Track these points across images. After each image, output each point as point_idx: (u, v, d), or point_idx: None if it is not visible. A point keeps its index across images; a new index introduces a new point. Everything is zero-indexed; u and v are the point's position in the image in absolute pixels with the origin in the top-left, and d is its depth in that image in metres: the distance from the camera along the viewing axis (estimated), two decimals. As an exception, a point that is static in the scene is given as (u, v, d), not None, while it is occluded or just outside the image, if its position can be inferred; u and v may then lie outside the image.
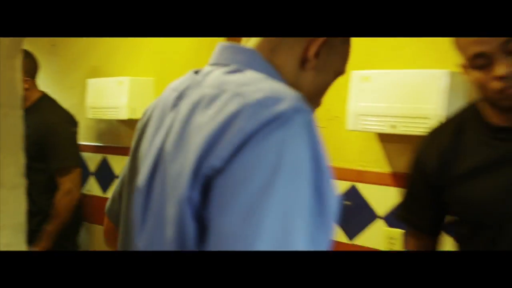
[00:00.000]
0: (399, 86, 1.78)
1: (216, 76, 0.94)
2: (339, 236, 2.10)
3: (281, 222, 0.76)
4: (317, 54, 0.99)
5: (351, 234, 2.08)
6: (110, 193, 2.84)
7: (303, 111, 0.83)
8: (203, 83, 0.94)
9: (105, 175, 2.92)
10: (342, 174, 2.05)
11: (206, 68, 1.00)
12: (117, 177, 2.84)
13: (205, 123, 0.84)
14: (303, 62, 0.99)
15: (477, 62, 1.29)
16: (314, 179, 0.80)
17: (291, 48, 0.99)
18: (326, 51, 1.01)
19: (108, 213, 1.21)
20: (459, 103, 1.74)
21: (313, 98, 1.04)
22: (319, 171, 0.81)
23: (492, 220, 1.37)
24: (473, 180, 1.39)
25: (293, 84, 0.97)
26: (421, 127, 1.71)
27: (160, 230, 0.88)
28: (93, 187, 2.99)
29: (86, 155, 2.95)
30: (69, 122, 2.68)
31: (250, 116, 0.81)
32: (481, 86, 1.32)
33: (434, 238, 1.58)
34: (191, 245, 0.83)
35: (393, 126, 1.79)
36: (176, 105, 0.96)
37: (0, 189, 0.77)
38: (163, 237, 0.87)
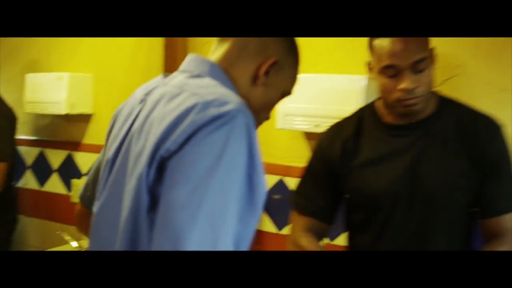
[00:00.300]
0: (322, 89, 1.97)
1: (180, 79, 1.12)
2: (269, 226, 2.27)
3: (219, 200, 0.93)
4: (266, 73, 1.18)
5: (280, 224, 2.26)
6: (46, 187, 2.92)
7: (245, 113, 1.00)
8: (169, 84, 1.12)
9: (41, 169, 2.97)
10: (272, 169, 2.22)
11: (174, 73, 1.18)
12: (54, 170, 2.90)
13: (166, 114, 1.02)
14: (254, 78, 1.18)
15: (388, 72, 1.48)
16: (248, 171, 0.97)
17: (246, 65, 1.17)
18: (275, 71, 1.20)
19: (81, 198, 1.35)
20: (376, 106, 1.96)
21: (261, 111, 1.23)
22: (252, 165, 0.98)
23: (384, 204, 1.55)
24: (369, 169, 1.58)
25: (244, 96, 1.15)
26: (341, 127, 1.92)
27: (118, 198, 1.05)
28: (29, 181, 3.04)
29: (23, 149, 2.99)
30: (4, 116, 2.69)
31: (201, 112, 0.98)
32: (385, 92, 1.52)
33: (327, 224, 1.70)
34: (143, 214, 0.99)
35: (317, 125, 1.98)
36: (143, 100, 1.13)
37: None
38: (120, 205, 1.04)
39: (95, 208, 1.16)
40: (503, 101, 1.81)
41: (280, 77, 1.22)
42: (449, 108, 1.59)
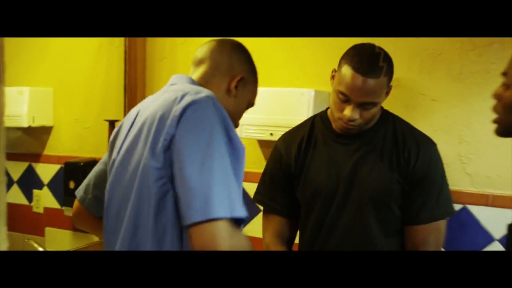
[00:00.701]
0: (275, 101, 2.15)
1: (163, 88, 1.42)
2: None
3: (220, 162, 1.18)
4: (236, 87, 1.46)
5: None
6: (7, 198, 2.97)
7: (213, 97, 1.27)
8: (155, 94, 1.41)
9: (1, 180, 3.02)
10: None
11: (165, 88, 1.43)
12: (14, 182, 2.96)
13: (156, 111, 1.28)
14: (228, 91, 1.46)
15: (340, 96, 1.64)
16: (227, 134, 1.23)
17: (219, 82, 1.47)
18: (242, 86, 1.48)
19: (82, 201, 1.53)
20: (323, 115, 2.16)
21: (233, 119, 1.44)
22: (229, 129, 1.24)
23: (323, 202, 1.72)
24: (314, 169, 1.75)
25: (225, 101, 1.44)
26: (293, 135, 2.11)
27: (127, 189, 1.29)
28: (-12, 192, 3.07)
29: (-19, 161, 3.03)
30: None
31: (182, 100, 1.24)
32: (333, 107, 1.70)
33: (290, 220, 1.85)
34: (153, 200, 1.23)
35: (272, 134, 2.16)
36: (138, 109, 1.40)
37: None
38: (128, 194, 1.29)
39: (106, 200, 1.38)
40: (434, 110, 2.04)
41: (246, 90, 1.51)
42: (389, 122, 1.75)
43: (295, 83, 2.26)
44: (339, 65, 1.67)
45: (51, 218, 2.76)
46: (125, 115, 2.51)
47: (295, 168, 1.80)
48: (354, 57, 1.62)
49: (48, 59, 2.84)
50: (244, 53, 1.54)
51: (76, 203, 1.55)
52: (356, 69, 1.59)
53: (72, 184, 2.58)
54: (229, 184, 1.18)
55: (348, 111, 1.63)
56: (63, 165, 2.66)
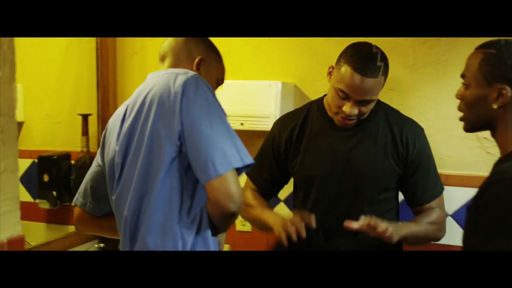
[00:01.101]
0: (245, 93, 2.29)
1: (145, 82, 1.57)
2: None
3: (223, 121, 1.42)
4: (197, 68, 1.61)
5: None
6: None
7: (199, 75, 1.47)
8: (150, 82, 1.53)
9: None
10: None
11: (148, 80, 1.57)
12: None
13: (154, 96, 1.44)
14: (196, 69, 1.60)
15: (340, 94, 1.76)
16: (217, 101, 1.46)
17: (185, 65, 1.61)
18: (205, 66, 1.63)
19: (82, 206, 1.65)
20: (288, 105, 2.31)
21: None
22: (215, 96, 1.46)
23: (322, 184, 1.86)
24: (310, 154, 1.88)
25: None
26: (263, 124, 2.25)
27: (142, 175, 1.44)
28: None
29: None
30: None
31: (178, 80, 1.43)
32: (332, 102, 1.81)
33: (267, 197, 2.03)
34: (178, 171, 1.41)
35: (242, 124, 2.30)
36: (125, 110, 1.54)
37: (5, 173, 1.12)
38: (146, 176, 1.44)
39: (116, 197, 1.50)
40: (392, 98, 2.20)
41: (210, 69, 1.66)
42: (382, 111, 1.89)
43: (261, 75, 2.40)
44: (338, 63, 1.78)
45: (25, 211, 2.80)
46: (98, 109, 2.61)
47: (286, 151, 1.93)
48: (353, 57, 1.73)
49: (17, 55, 2.87)
50: (200, 40, 1.69)
51: (77, 210, 1.67)
52: (356, 69, 1.70)
53: (46, 178, 2.63)
54: (235, 139, 1.42)
55: (347, 108, 1.75)
56: (35, 159, 2.72)
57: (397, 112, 1.93)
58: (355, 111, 1.76)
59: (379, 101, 1.89)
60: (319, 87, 2.33)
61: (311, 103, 2.00)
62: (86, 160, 2.47)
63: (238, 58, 2.44)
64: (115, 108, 2.64)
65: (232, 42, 2.43)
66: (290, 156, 1.93)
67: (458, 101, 1.47)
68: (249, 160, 1.42)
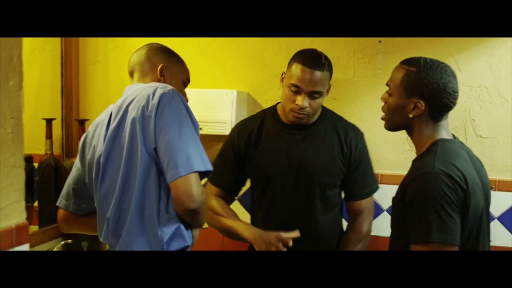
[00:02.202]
0: (203, 100, 2.50)
1: (127, 94, 1.73)
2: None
3: (191, 130, 1.60)
4: (161, 75, 1.80)
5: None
6: None
7: (175, 90, 1.66)
8: (119, 101, 1.70)
9: None
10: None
11: (125, 94, 1.76)
12: None
13: (135, 107, 1.63)
14: (159, 80, 1.80)
15: (293, 88, 1.99)
16: (189, 113, 1.64)
17: (150, 79, 1.80)
18: (167, 72, 1.82)
19: (66, 207, 1.83)
20: (243, 112, 2.54)
21: None
22: (189, 109, 1.65)
23: (276, 183, 2.07)
24: (267, 156, 2.09)
25: None
26: (220, 129, 2.47)
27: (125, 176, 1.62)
28: None
29: None
30: None
31: (157, 93, 1.62)
32: (286, 100, 2.03)
33: (232, 196, 2.24)
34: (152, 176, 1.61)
35: (201, 129, 2.49)
36: (106, 115, 1.73)
37: (14, 168, 1.28)
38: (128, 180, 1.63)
39: (100, 194, 1.68)
40: (335, 106, 2.45)
41: (174, 73, 1.84)
42: (328, 117, 2.14)
43: (217, 84, 2.61)
44: (289, 66, 2.05)
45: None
46: (62, 114, 2.75)
47: (245, 153, 2.14)
48: (302, 56, 2.01)
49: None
50: (157, 47, 1.86)
51: (61, 212, 1.85)
52: (305, 64, 1.97)
53: (8, 179, 2.74)
54: (200, 147, 1.61)
55: (299, 100, 1.98)
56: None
57: (341, 118, 2.20)
58: (306, 103, 1.99)
59: (325, 109, 2.16)
60: (270, 95, 2.58)
61: (265, 110, 2.22)
62: (50, 162, 2.59)
63: (195, 68, 2.61)
64: (78, 112, 2.81)
65: (189, 53, 2.61)
66: (248, 157, 2.14)
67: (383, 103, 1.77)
68: (210, 167, 1.61)
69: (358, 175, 2.14)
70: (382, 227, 2.33)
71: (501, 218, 2.31)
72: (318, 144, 2.10)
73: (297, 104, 2.00)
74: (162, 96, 1.61)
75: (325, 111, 2.17)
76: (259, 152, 2.13)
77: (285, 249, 1.96)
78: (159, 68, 1.82)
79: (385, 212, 2.45)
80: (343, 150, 2.12)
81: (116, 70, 2.75)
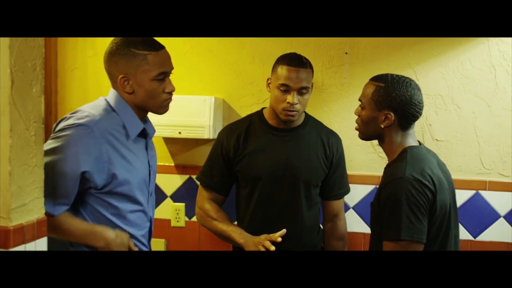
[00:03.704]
0: (183, 106, 2.63)
1: None
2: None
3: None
4: (123, 88, 1.78)
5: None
6: None
7: (83, 123, 1.69)
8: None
9: None
10: (139, 167, 2.83)
11: None
12: None
13: None
14: (124, 91, 1.79)
15: (282, 88, 2.16)
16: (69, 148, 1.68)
17: (117, 88, 1.80)
18: (132, 80, 1.75)
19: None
20: (219, 117, 2.70)
21: (149, 100, 1.80)
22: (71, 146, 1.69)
23: (263, 182, 2.23)
24: (254, 157, 2.25)
25: (130, 99, 1.80)
26: (198, 133, 2.63)
27: None
28: None
29: None
30: None
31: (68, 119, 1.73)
32: (276, 102, 2.19)
33: (223, 196, 2.36)
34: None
35: (180, 133, 2.65)
36: None
37: (36, 167, 1.40)
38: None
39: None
40: (314, 96, 2.66)
41: (139, 77, 1.75)
42: (311, 122, 2.33)
43: (194, 91, 2.76)
44: (274, 71, 2.23)
45: None
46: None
47: (234, 154, 2.28)
48: (285, 58, 2.20)
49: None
50: (116, 54, 1.76)
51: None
52: (290, 64, 2.17)
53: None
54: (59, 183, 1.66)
55: (290, 98, 2.16)
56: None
57: (321, 123, 2.40)
58: (297, 100, 2.17)
59: (308, 114, 2.35)
60: (244, 102, 2.75)
61: (251, 115, 2.38)
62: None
63: (174, 75, 2.74)
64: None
65: (168, 61, 2.78)
66: (237, 158, 2.29)
67: (356, 116, 1.97)
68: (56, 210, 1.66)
69: (337, 176, 2.35)
70: (348, 223, 2.53)
71: (455, 214, 2.57)
72: (304, 146, 2.28)
73: (288, 102, 2.17)
74: (64, 127, 1.70)
75: (308, 117, 2.36)
76: (248, 153, 2.27)
77: (273, 248, 2.10)
78: (119, 78, 1.76)
79: (352, 210, 2.66)
80: (326, 153, 2.31)
81: (94, 77, 2.86)
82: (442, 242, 1.81)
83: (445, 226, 1.82)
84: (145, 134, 1.90)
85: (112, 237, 1.75)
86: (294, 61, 2.20)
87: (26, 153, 1.36)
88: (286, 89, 2.18)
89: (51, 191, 1.60)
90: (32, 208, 1.39)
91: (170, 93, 1.85)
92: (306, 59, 2.25)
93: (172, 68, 1.85)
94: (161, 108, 1.85)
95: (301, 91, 2.19)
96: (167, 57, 1.82)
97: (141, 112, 1.86)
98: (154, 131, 1.98)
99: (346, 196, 2.52)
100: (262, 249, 2.12)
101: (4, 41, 1.29)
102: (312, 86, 2.27)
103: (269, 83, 2.28)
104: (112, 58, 1.77)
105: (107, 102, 1.82)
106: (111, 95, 1.83)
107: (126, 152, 1.79)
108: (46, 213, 1.45)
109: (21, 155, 1.34)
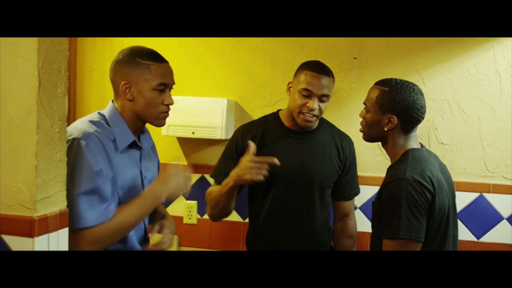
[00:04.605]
0: (197, 107, 2.74)
1: None
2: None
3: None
4: (125, 92, 1.81)
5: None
6: None
7: (76, 139, 1.71)
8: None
9: None
10: (153, 166, 2.94)
11: None
12: None
13: None
14: (125, 98, 1.83)
15: (304, 93, 2.21)
16: (87, 161, 1.71)
17: (118, 96, 1.85)
18: (134, 86, 1.79)
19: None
20: (231, 118, 2.80)
21: (148, 110, 1.83)
22: (87, 157, 1.71)
23: (279, 182, 2.26)
24: (270, 155, 2.14)
25: (129, 108, 1.83)
26: (211, 133, 2.72)
27: None
28: None
29: None
30: None
31: None
32: (296, 105, 2.22)
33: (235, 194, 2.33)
34: None
35: (193, 133, 2.76)
36: None
37: (59, 162, 1.50)
38: None
39: None
40: None
41: (139, 86, 1.79)
42: (326, 126, 2.39)
43: (208, 93, 2.87)
44: (296, 76, 2.27)
45: None
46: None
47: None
48: (309, 65, 2.25)
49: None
50: (121, 62, 1.82)
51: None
52: (314, 70, 2.22)
53: None
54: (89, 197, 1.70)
55: (311, 103, 2.20)
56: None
57: (335, 126, 2.47)
58: (317, 105, 2.21)
59: (322, 118, 2.39)
60: (255, 104, 2.85)
61: (266, 117, 2.42)
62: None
63: (188, 78, 2.90)
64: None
65: (182, 64, 2.89)
66: None
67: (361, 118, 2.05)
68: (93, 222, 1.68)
69: (349, 178, 2.42)
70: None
71: (459, 215, 2.63)
72: (318, 149, 2.34)
73: (308, 107, 2.21)
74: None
75: (322, 120, 2.41)
76: (264, 153, 2.27)
77: (265, 170, 2.09)
78: (121, 85, 1.81)
79: (358, 210, 2.74)
80: (340, 155, 2.38)
81: (112, 78, 2.96)
82: (440, 241, 1.89)
83: (443, 226, 1.89)
84: (138, 146, 1.92)
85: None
86: (319, 68, 2.24)
87: (50, 148, 1.46)
88: (308, 94, 2.22)
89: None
90: (55, 200, 1.49)
91: (168, 106, 1.87)
92: (329, 68, 2.29)
93: (173, 83, 1.89)
94: (158, 120, 1.87)
95: (322, 98, 2.24)
96: (169, 71, 1.87)
97: (138, 122, 1.88)
98: (150, 143, 2.03)
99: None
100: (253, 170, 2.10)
101: (33, 45, 1.39)
102: (332, 88, 2.30)
103: (290, 87, 2.32)
104: (117, 66, 1.84)
105: (100, 115, 1.86)
106: (107, 108, 1.88)
107: (114, 163, 1.80)
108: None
109: (46, 151, 1.44)
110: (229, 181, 2.18)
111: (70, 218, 1.54)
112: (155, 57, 1.84)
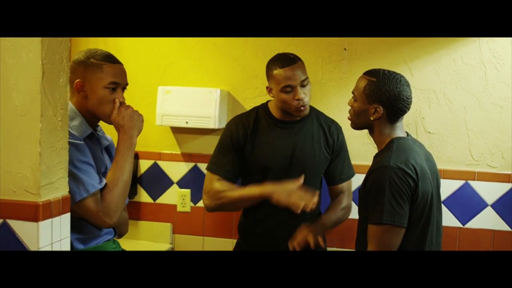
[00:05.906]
0: (190, 98, 2.80)
1: None
2: (146, 198, 3.03)
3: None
4: (79, 91, 1.86)
5: (154, 196, 3.04)
6: None
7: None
8: None
9: None
10: (148, 155, 3.01)
11: None
12: None
13: None
14: (79, 96, 1.88)
15: (286, 90, 2.27)
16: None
17: (72, 93, 1.89)
18: (87, 84, 1.85)
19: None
20: (224, 108, 2.85)
21: (99, 108, 1.88)
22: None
23: (272, 170, 2.33)
24: (263, 147, 2.37)
25: (82, 106, 1.89)
26: (204, 123, 2.78)
27: None
28: None
29: None
30: None
31: None
32: (286, 104, 2.29)
33: (228, 182, 2.41)
34: None
35: (187, 122, 2.81)
36: None
37: (61, 150, 1.54)
38: None
39: None
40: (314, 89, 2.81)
41: (92, 85, 1.86)
42: (314, 113, 2.45)
43: (200, 83, 2.92)
44: (269, 77, 2.33)
45: None
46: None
47: (244, 145, 2.37)
48: (275, 61, 2.30)
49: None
50: (77, 62, 1.88)
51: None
52: (284, 65, 2.27)
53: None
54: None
55: (298, 94, 2.27)
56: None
57: (322, 112, 2.53)
58: (303, 93, 2.27)
59: (310, 106, 2.44)
60: (247, 94, 2.91)
61: (257, 108, 2.48)
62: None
63: (181, 68, 2.95)
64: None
65: (176, 55, 2.94)
66: (246, 148, 2.39)
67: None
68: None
69: (338, 162, 2.48)
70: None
71: (445, 202, 2.72)
72: (308, 137, 2.41)
73: (297, 99, 2.28)
74: None
75: (311, 108, 2.46)
76: (257, 144, 2.36)
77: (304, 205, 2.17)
78: (74, 84, 1.86)
79: (348, 197, 2.82)
80: (328, 141, 2.44)
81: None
82: (423, 227, 1.95)
83: (426, 212, 1.95)
84: (97, 140, 1.96)
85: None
86: (285, 61, 2.28)
87: (53, 136, 1.51)
88: (290, 89, 2.28)
89: None
90: (58, 186, 1.54)
91: (120, 104, 1.91)
92: (292, 54, 2.33)
93: (126, 83, 1.95)
94: (109, 118, 1.90)
95: (303, 83, 2.29)
96: (122, 71, 1.93)
97: (93, 118, 1.93)
98: (108, 141, 2.05)
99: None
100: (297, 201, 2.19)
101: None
102: (306, 70, 2.34)
103: (270, 90, 2.36)
104: (74, 66, 1.89)
105: None
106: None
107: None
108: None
109: (50, 138, 1.49)
110: (254, 193, 2.28)
111: (73, 193, 1.65)
112: (109, 59, 1.91)
